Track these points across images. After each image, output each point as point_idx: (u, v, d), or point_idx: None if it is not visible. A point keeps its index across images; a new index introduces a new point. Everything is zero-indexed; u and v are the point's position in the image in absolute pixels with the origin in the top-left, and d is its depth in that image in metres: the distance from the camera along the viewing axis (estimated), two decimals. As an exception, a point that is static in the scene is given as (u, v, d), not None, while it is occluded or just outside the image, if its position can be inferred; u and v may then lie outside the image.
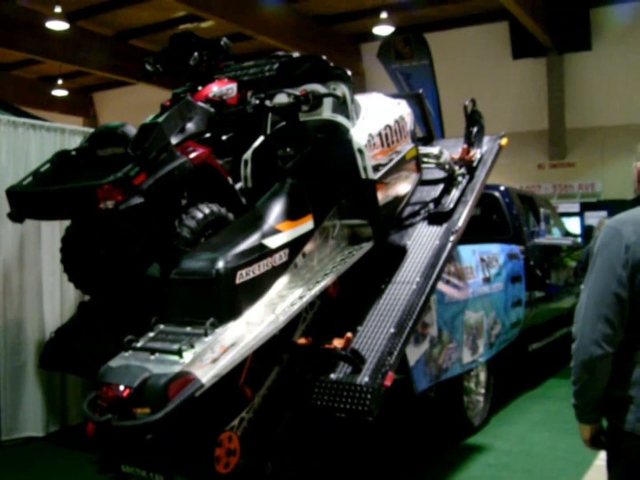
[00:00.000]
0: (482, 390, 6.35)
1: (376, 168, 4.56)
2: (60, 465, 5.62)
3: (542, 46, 16.25)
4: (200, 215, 4.52)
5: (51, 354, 5.61)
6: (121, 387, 3.34)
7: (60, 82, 21.27)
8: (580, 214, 16.12)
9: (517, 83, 17.01)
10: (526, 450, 5.76)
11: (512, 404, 7.15)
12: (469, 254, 5.93)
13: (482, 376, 6.37)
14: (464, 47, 16.97)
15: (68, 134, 6.48)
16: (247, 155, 4.69)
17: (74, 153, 4.71)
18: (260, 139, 4.73)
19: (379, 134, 4.73)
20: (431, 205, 5.61)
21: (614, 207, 14.98)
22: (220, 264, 3.62)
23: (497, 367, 6.61)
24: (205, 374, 3.31)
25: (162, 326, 3.73)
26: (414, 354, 4.82)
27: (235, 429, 3.82)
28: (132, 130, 4.48)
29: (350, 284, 4.64)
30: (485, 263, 6.15)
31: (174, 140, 4.64)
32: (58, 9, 14.15)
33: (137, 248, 4.77)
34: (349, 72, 4.72)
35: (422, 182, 5.62)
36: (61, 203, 4.51)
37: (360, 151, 4.42)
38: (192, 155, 4.57)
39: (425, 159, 5.55)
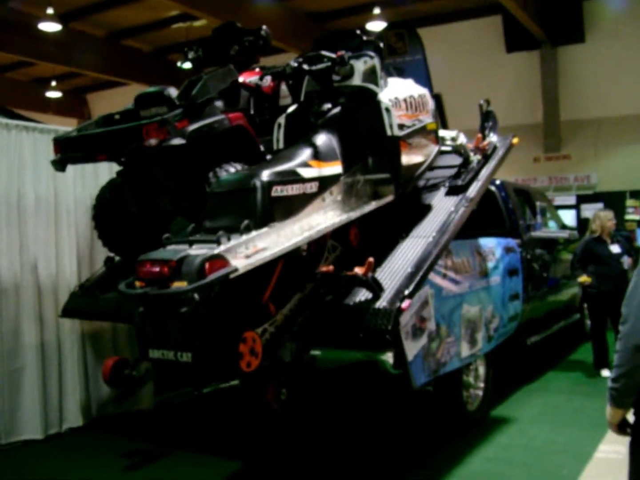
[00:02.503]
0: (481, 384, 6.35)
1: (400, 127, 4.95)
2: (60, 467, 5.61)
3: (535, 39, 16.23)
4: (233, 170, 4.67)
5: (73, 303, 5.86)
6: (161, 263, 3.57)
7: (53, 83, 21.22)
8: (576, 206, 16.14)
9: (511, 76, 16.99)
10: (526, 443, 5.77)
11: (512, 398, 7.15)
12: (466, 248, 5.93)
13: (481, 370, 6.38)
14: (457, 42, 16.94)
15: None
16: (281, 118, 4.97)
17: (117, 117, 4.90)
18: (294, 106, 5.05)
19: (404, 100, 5.18)
20: (448, 183, 5.96)
21: (609, 198, 15.01)
22: (258, 177, 3.98)
23: (495, 361, 6.61)
24: (240, 263, 3.58)
25: (198, 235, 3.94)
26: (412, 348, 4.81)
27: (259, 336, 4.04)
28: (175, 92, 4.74)
29: (370, 236, 4.99)
30: (482, 257, 6.15)
31: None
32: (50, 11, 14.11)
33: (167, 205, 4.99)
34: (382, 44, 5.19)
35: (441, 167, 6.13)
36: (107, 143, 4.72)
37: (388, 110, 4.86)
38: (231, 115, 4.85)
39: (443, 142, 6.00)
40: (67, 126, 7.07)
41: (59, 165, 4.97)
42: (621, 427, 2.67)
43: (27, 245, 6.16)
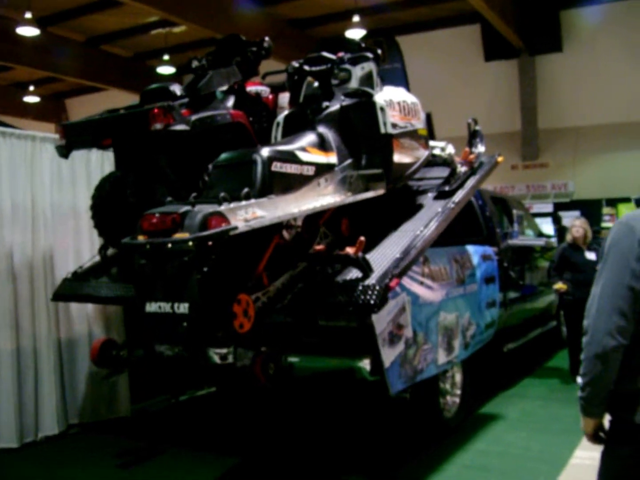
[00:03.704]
0: (458, 391, 6.38)
1: (393, 126, 5.20)
2: (38, 474, 5.56)
3: (513, 48, 16.38)
4: None
5: (64, 288, 5.95)
6: (165, 216, 3.80)
7: (31, 88, 21.13)
8: (553, 214, 16.27)
9: (489, 85, 17.12)
10: (502, 450, 5.80)
11: (488, 405, 7.19)
12: (443, 255, 5.96)
13: (458, 377, 6.40)
14: (436, 50, 17.05)
15: (39, 141, 6.42)
16: (280, 118, 5.23)
17: (122, 111, 5.07)
18: (293, 108, 5.34)
19: (398, 103, 5.40)
20: (436, 189, 6.14)
21: (587, 207, 15.16)
22: (259, 153, 4.19)
23: (472, 368, 6.65)
24: (239, 224, 3.77)
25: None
26: (389, 355, 4.84)
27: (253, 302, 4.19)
28: (179, 88, 4.99)
29: (361, 230, 5.07)
30: (459, 264, 6.18)
31: None
32: (28, 15, 14.04)
33: (166, 195, 5.06)
34: (379, 51, 5.41)
35: (430, 178, 6.34)
36: (113, 128, 4.95)
37: (382, 109, 5.13)
38: (233, 112, 5.14)
39: (433, 151, 6.17)
40: (45, 131, 7.04)
41: (64, 150, 5.13)
42: (596, 436, 2.67)
43: (3, 252, 6.10)
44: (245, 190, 3.99)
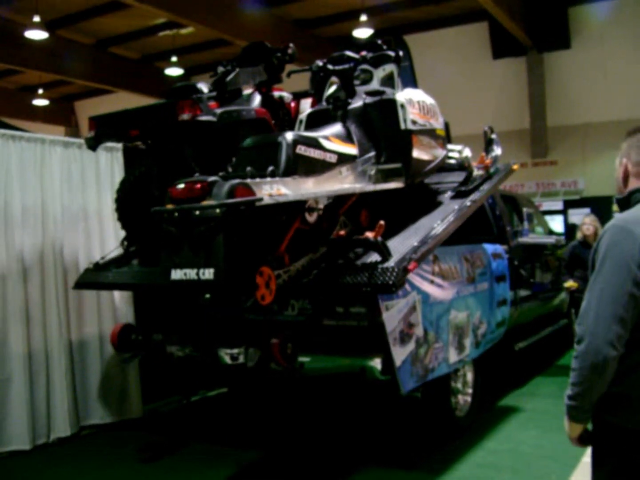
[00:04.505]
0: (469, 390, 6.36)
1: (413, 123, 5.37)
2: (50, 478, 5.56)
3: (521, 46, 16.34)
4: None
5: (86, 277, 6.02)
6: (194, 183, 3.95)
7: (40, 91, 21.20)
8: (563, 211, 16.22)
9: (497, 83, 17.08)
10: (514, 448, 5.78)
11: (499, 403, 7.18)
12: (454, 254, 5.95)
13: (469, 376, 6.39)
14: (444, 48, 17.03)
15: (48, 144, 6.44)
16: (303, 116, 5.46)
17: None
18: (316, 108, 5.53)
19: (418, 102, 5.55)
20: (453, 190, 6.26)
21: (596, 204, 15.10)
22: (284, 136, 4.35)
23: (483, 367, 6.63)
24: (264, 197, 3.89)
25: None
26: (400, 354, 4.84)
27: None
28: (205, 86, 5.10)
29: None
30: (469, 263, 6.17)
31: None
32: (37, 18, 14.09)
33: None
34: (401, 53, 5.57)
35: (447, 182, 6.43)
36: (142, 119, 5.08)
37: (402, 106, 5.31)
38: (257, 109, 5.27)
39: (449, 154, 6.32)
40: (54, 134, 7.07)
41: (93, 141, 5.21)
42: (582, 439, 2.61)
43: (13, 254, 6.13)
44: (271, 168, 4.13)
